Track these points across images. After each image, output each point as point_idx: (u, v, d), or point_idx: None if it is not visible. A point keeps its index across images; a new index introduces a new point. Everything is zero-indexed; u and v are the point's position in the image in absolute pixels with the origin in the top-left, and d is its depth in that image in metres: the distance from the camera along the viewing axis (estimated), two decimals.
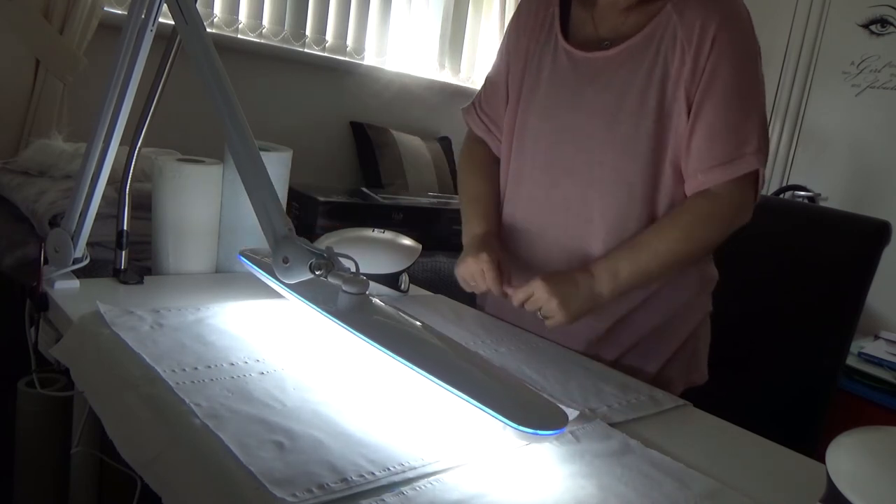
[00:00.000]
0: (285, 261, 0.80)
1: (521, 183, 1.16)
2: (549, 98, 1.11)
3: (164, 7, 0.89)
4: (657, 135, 1.03)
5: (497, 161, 1.23)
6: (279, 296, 0.91)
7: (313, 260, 0.78)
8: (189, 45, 0.84)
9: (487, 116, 1.24)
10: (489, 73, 1.25)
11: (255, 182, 0.82)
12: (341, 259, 0.81)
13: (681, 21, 1.00)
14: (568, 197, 1.09)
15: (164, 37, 1.01)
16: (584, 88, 1.07)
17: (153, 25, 0.93)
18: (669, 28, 1.01)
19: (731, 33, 0.99)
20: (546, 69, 1.11)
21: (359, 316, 0.79)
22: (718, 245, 1.07)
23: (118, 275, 1.07)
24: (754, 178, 1.03)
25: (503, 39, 1.22)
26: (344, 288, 0.79)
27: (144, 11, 0.92)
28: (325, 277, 0.79)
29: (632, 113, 1.03)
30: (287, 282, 0.82)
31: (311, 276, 0.79)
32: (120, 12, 1.98)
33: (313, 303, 0.83)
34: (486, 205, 1.18)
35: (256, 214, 0.83)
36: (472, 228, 1.15)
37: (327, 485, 0.59)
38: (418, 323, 0.82)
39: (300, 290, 0.85)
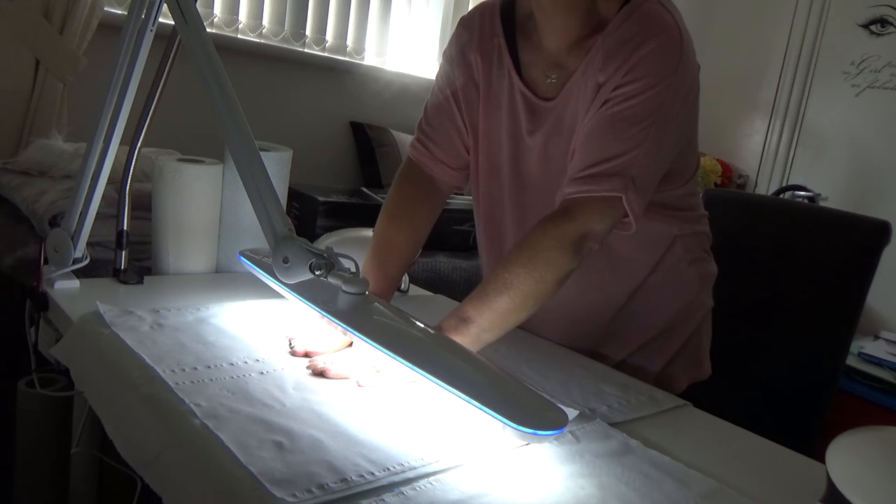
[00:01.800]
0: (285, 261, 0.80)
1: (492, 222, 1.15)
2: (510, 142, 1.07)
3: (164, 7, 0.89)
4: None
5: (435, 199, 1.14)
6: (279, 296, 0.91)
7: (313, 260, 0.78)
8: (189, 45, 0.84)
9: (435, 143, 1.12)
10: (430, 102, 1.14)
11: (255, 182, 0.82)
12: (341, 259, 0.81)
13: (604, 54, 0.95)
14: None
15: (164, 37, 1.01)
16: (538, 134, 1.04)
17: (153, 25, 0.93)
18: (596, 61, 0.96)
19: (645, 71, 0.91)
20: (504, 110, 1.07)
21: (359, 316, 0.79)
22: (570, 268, 0.90)
23: (118, 275, 1.07)
24: (613, 206, 0.91)
25: (442, 67, 1.13)
26: (344, 288, 0.79)
27: (144, 11, 0.92)
28: (325, 277, 0.79)
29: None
30: (287, 282, 0.82)
31: (311, 276, 0.79)
32: (120, 12, 1.99)
33: (313, 303, 0.83)
34: (387, 257, 1.05)
35: (256, 214, 0.83)
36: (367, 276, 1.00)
37: (327, 485, 0.59)
38: (419, 323, 0.82)
39: (300, 290, 0.85)
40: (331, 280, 0.79)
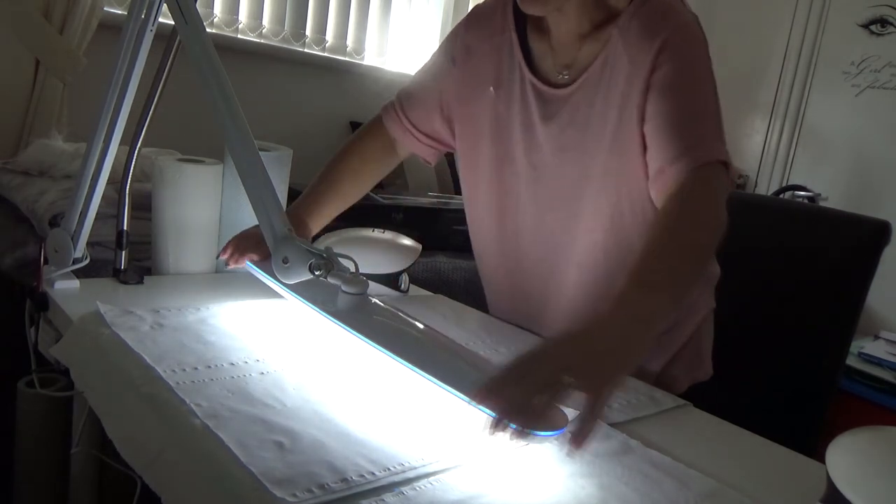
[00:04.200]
0: (285, 261, 0.80)
1: (506, 215, 1.15)
2: (523, 133, 1.08)
3: (164, 7, 0.89)
4: (618, 169, 1.00)
5: (390, 160, 1.26)
6: (279, 296, 0.91)
7: (313, 260, 0.79)
8: (189, 46, 0.84)
9: (409, 120, 1.20)
10: (418, 80, 1.20)
11: (255, 182, 0.82)
12: (341, 259, 0.81)
13: (625, 44, 0.97)
14: (554, 231, 1.08)
15: (164, 37, 1.01)
16: (552, 125, 1.05)
17: (153, 25, 0.93)
18: (617, 52, 0.97)
19: (678, 45, 0.94)
20: (516, 104, 1.08)
21: (359, 316, 0.79)
22: (713, 246, 0.89)
23: (118, 275, 1.07)
24: (716, 170, 0.92)
25: (443, 49, 1.16)
26: (344, 288, 0.79)
27: (144, 11, 0.92)
28: (325, 277, 0.79)
29: (595, 147, 1.01)
30: (287, 282, 0.82)
31: (311, 276, 0.79)
32: (120, 12, 1.98)
33: (313, 303, 0.83)
34: (328, 196, 1.16)
35: (256, 214, 0.83)
36: (297, 207, 1.11)
37: (327, 485, 0.59)
38: (418, 323, 0.82)
39: (300, 290, 0.85)
40: (330, 280, 0.79)
